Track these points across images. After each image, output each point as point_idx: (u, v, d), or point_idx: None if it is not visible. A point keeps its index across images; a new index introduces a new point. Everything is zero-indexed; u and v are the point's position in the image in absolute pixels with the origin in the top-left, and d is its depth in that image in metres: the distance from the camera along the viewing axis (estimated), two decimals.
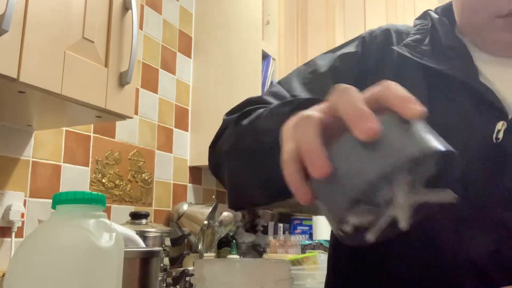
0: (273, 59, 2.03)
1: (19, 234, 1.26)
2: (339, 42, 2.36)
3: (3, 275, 1.05)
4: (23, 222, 1.27)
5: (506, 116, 0.58)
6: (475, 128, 0.59)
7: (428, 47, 0.66)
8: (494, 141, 0.57)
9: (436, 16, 0.71)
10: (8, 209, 1.22)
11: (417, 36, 0.69)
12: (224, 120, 0.68)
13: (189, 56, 2.09)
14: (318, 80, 0.69)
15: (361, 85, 0.40)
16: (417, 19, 0.75)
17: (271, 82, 2.00)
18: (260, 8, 1.97)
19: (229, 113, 0.68)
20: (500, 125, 0.57)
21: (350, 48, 0.72)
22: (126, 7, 1.16)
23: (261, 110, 0.60)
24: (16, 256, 0.49)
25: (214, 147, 0.66)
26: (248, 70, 1.93)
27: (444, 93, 0.63)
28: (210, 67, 2.05)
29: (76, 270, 0.47)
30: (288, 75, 0.74)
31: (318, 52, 0.76)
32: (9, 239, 1.23)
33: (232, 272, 0.43)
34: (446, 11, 0.72)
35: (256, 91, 1.90)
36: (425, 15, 0.74)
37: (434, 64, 0.64)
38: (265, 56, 1.99)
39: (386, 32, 0.73)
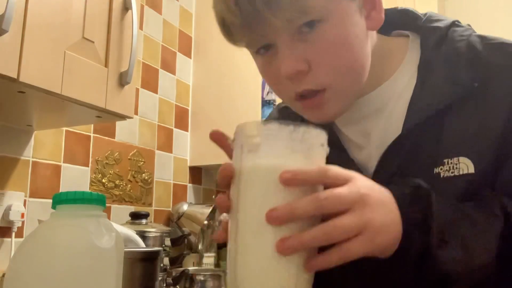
0: None
1: (19, 234, 1.26)
2: None
3: (3, 275, 1.05)
4: (23, 222, 1.27)
5: None
6: None
7: None
8: None
9: None
10: (8, 209, 1.22)
11: None
12: None
13: (189, 56, 2.09)
14: None
15: None
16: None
17: None
18: None
19: None
20: None
21: None
22: (126, 7, 1.16)
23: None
24: (16, 256, 0.49)
25: None
26: (248, 70, 1.93)
27: None
28: (210, 67, 2.04)
29: (76, 270, 0.47)
30: None
31: None
32: (9, 239, 1.23)
33: (286, 132, 0.42)
34: None
35: (256, 91, 1.90)
36: None
37: None
38: None
39: None
